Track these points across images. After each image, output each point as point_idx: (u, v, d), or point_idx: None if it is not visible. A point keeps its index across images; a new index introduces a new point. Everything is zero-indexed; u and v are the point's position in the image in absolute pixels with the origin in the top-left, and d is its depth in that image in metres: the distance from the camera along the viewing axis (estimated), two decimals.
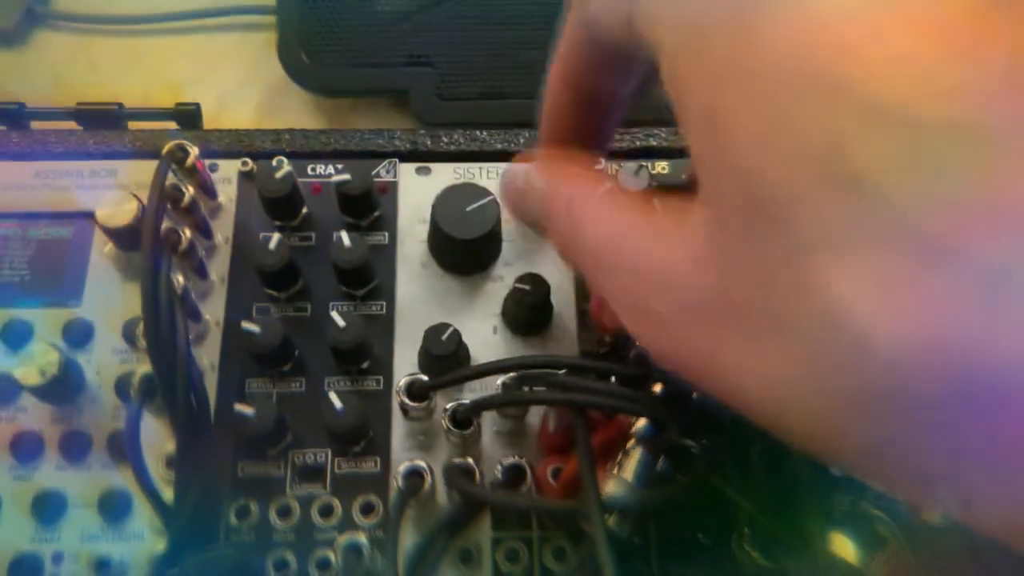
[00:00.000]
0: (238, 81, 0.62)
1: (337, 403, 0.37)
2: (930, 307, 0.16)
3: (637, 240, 0.23)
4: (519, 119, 0.41)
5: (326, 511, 0.38)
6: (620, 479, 0.31)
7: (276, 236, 0.40)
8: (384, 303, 0.43)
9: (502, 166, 0.46)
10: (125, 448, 0.34)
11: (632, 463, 0.31)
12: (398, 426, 0.40)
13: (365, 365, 0.41)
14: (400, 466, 0.37)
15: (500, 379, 0.36)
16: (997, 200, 0.15)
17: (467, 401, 0.37)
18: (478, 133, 0.46)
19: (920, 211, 0.16)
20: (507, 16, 0.59)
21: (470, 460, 0.36)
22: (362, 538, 0.35)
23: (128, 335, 0.41)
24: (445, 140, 0.46)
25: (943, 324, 0.15)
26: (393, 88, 0.58)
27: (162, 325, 0.35)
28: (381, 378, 0.41)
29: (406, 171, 0.46)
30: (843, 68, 0.17)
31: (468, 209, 0.41)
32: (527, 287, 0.40)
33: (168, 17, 0.63)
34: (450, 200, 0.42)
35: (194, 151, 0.40)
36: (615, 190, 0.26)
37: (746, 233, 0.19)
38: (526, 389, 0.35)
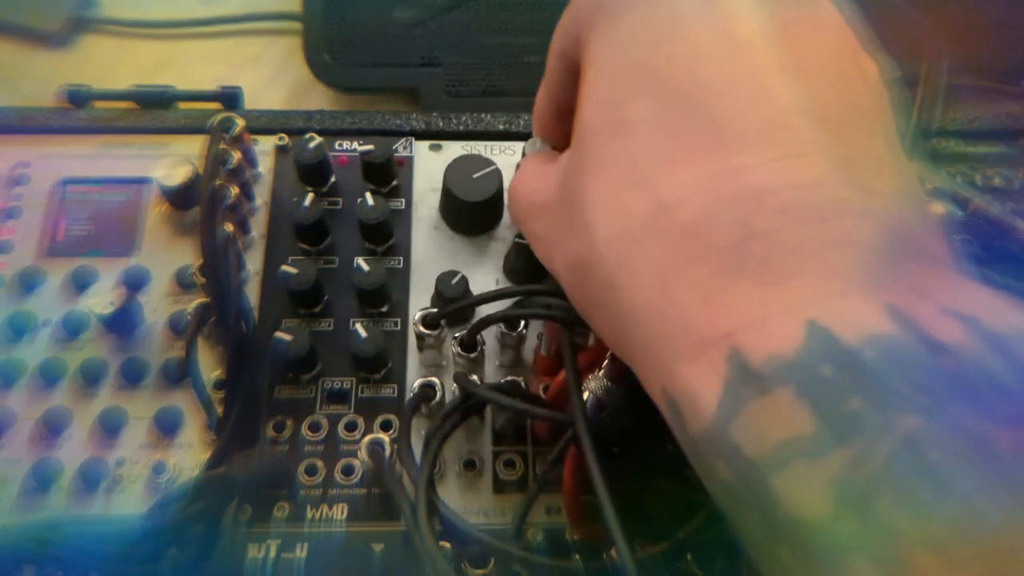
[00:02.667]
0: (267, 80, 0.69)
1: (362, 332, 0.44)
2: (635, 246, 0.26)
3: (529, 184, 0.35)
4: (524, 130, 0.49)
5: (350, 426, 0.45)
6: (599, 378, 0.37)
7: (310, 195, 0.47)
8: (401, 258, 0.49)
9: (504, 144, 0.52)
10: (186, 358, 0.40)
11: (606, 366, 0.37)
12: (413, 360, 0.47)
13: (385, 308, 0.48)
14: (415, 383, 0.43)
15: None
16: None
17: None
18: (483, 116, 0.53)
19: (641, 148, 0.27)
20: (509, 24, 0.66)
21: (475, 377, 0.42)
22: (384, 437, 0.41)
23: (180, 279, 0.47)
24: (455, 121, 0.53)
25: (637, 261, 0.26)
26: (406, 85, 0.65)
27: (218, 258, 0.41)
28: (399, 320, 0.48)
29: (420, 148, 0.53)
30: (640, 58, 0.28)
31: (475, 176, 0.48)
32: (525, 241, 0.46)
33: (203, 22, 0.70)
34: (460, 168, 0.48)
35: (241, 122, 0.47)
36: (527, 158, 0.38)
37: (576, 164, 0.30)
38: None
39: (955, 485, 0.19)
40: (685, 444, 0.25)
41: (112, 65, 0.69)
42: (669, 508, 0.38)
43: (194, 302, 0.43)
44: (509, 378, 0.43)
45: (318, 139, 0.48)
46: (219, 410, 0.43)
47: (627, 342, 0.27)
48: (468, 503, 0.43)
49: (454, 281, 0.45)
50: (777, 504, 0.21)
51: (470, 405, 0.38)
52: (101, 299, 0.44)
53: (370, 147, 0.48)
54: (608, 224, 0.27)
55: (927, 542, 0.19)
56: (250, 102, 0.66)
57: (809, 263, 0.23)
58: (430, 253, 0.50)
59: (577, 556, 0.37)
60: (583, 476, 0.37)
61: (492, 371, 0.46)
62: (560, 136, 0.37)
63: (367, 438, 0.41)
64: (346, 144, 0.52)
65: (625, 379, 0.37)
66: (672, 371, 0.25)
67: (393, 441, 0.41)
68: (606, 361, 0.37)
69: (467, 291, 0.46)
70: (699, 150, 0.26)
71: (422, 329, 0.43)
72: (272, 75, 0.69)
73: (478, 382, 0.40)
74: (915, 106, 0.49)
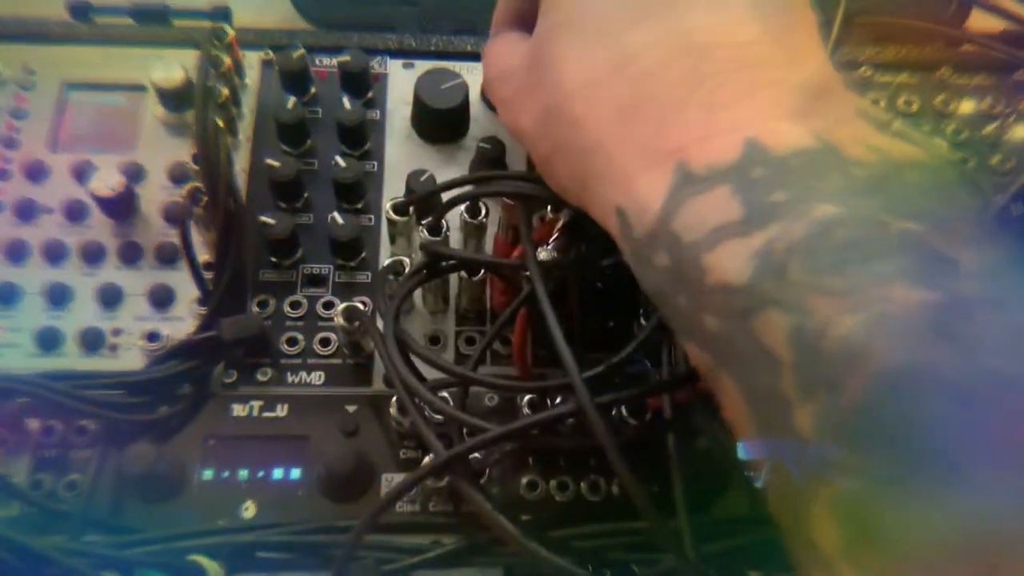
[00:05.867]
0: (253, 17, 0.73)
1: (339, 219, 0.49)
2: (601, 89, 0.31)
3: (501, 53, 0.40)
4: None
5: (328, 305, 0.50)
6: (548, 251, 0.42)
7: (292, 98, 0.52)
8: (376, 162, 0.54)
9: (472, 64, 0.57)
10: (181, 233, 0.45)
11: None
12: (385, 250, 0.52)
13: (360, 205, 0.53)
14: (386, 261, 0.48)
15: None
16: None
17: None
18: (452, 38, 0.58)
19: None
20: None
21: None
22: (359, 305, 0.46)
23: (173, 174, 0.52)
24: (426, 42, 0.58)
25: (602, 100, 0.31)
26: (383, 21, 0.70)
27: (209, 144, 0.46)
28: (372, 216, 0.53)
29: (394, 65, 0.58)
30: None
31: (443, 87, 0.53)
32: (488, 146, 0.51)
33: None
34: (430, 80, 0.53)
35: (231, 31, 0.52)
36: (499, 37, 0.42)
37: (547, 29, 0.35)
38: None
39: (853, 256, 0.23)
40: (630, 251, 0.30)
41: None
42: None
43: (190, 185, 0.48)
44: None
45: (301, 50, 0.53)
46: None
47: (584, 175, 0.32)
48: (430, 374, 0.48)
49: (423, 178, 0.50)
50: (706, 275, 0.26)
51: (432, 264, 0.43)
52: (101, 183, 0.48)
53: (347, 57, 0.53)
54: (579, 73, 0.32)
55: (826, 292, 0.23)
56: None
57: (748, 96, 0.28)
58: (402, 159, 0.55)
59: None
60: (529, 330, 0.42)
61: None
62: (523, 23, 0.42)
63: (343, 305, 0.45)
64: (325, 60, 0.57)
65: (570, 251, 0.42)
66: (626, 186, 0.30)
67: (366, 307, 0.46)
68: (554, 237, 0.42)
69: (435, 186, 0.50)
70: (658, 12, 0.31)
71: (392, 215, 0.48)
72: (257, 13, 0.73)
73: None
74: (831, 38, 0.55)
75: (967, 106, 0.60)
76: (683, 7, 0.31)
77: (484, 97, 0.56)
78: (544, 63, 0.34)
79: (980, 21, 0.69)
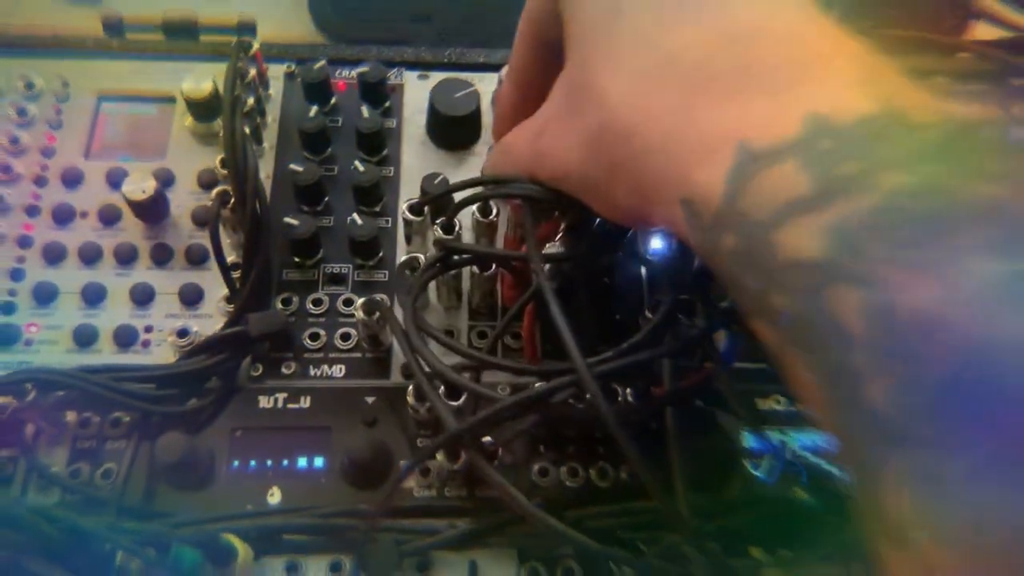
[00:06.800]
0: (276, 35, 0.76)
1: (359, 220, 0.51)
2: (649, 92, 0.31)
3: (520, 126, 0.41)
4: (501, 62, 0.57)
5: (348, 303, 0.52)
6: (554, 246, 0.44)
7: (314, 108, 0.54)
8: (392, 168, 0.57)
9: (483, 74, 0.60)
10: (212, 233, 0.48)
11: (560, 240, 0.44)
12: (402, 250, 0.54)
13: (378, 208, 0.55)
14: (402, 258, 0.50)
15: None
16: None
17: None
18: (465, 51, 0.61)
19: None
20: None
21: None
22: (379, 298, 0.48)
23: (201, 181, 0.55)
24: (440, 54, 0.61)
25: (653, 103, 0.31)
26: (401, 38, 0.72)
27: (237, 149, 0.48)
28: (389, 219, 0.55)
29: (410, 77, 0.61)
30: None
31: (456, 95, 0.56)
32: None
33: None
34: (444, 89, 0.56)
35: (256, 43, 0.54)
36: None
37: (579, 60, 0.35)
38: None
39: (927, 228, 0.23)
40: (698, 242, 0.30)
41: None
42: None
43: (219, 188, 0.50)
44: None
45: (322, 62, 0.56)
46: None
47: (642, 184, 0.32)
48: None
49: (436, 180, 0.53)
50: (777, 253, 0.26)
51: (445, 259, 0.45)
52: (134, 187, 0.51)
53: (366, 68, 0.56)
54: (623, 83, 0.32)
55: (900, 266, 0.23)
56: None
57: (804, 75, 0.28)
58: (417, 164, 0.57)
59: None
60: (538, 323, 0.45)
61: None
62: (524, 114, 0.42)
63: (362, 299, 0.48)
64: (345, 72, 0.60)
65: (575, 248, 0.44)
66: (687, 177, 0.29)
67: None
68: (559, 236, 0.45)
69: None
70: (687, 12, 0.31)
71: (408, 215, 0.50)
72: (281, 28, 0.76)
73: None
74: None
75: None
76: (715, 3, 0.31)
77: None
78: (584, 87, 0.34)
79: (978, 30, 0.71)
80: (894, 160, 0.24)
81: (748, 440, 0.47)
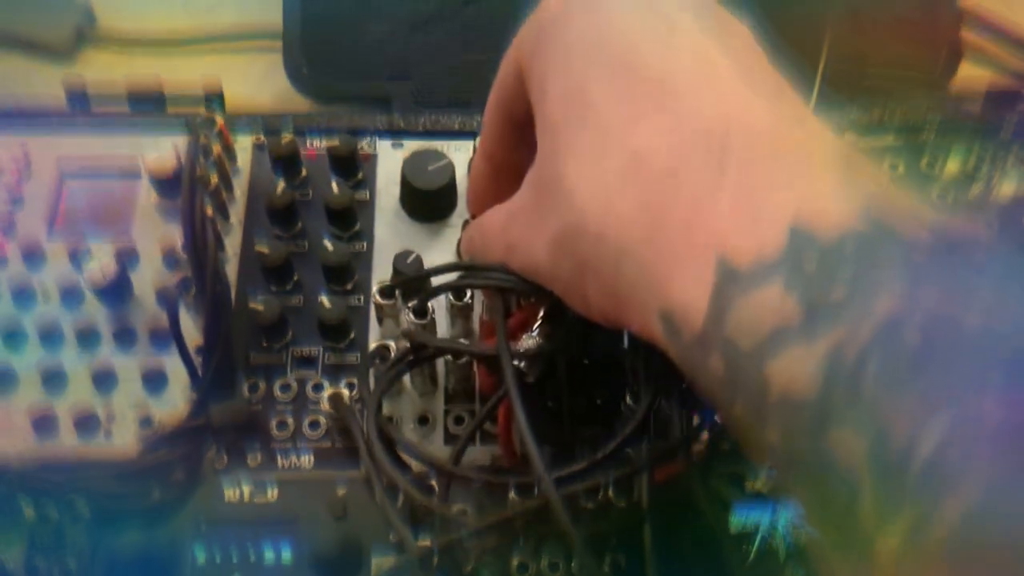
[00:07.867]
0: (251, 92, 0.75)
1: (327, 302, 0.49)
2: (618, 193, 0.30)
3: (493, 211, 0.39)
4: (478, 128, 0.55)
5: (317, 388, 0.50)
6: (532, 336, 0.43)
7: (280, 183, 0.53)
8: (365, 243, 0.55)
9: (459, 142, 0.58)
10: (171, 323, 0.46)
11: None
12: (374, 331, 0.52)
13: (349, 287, 0.53)
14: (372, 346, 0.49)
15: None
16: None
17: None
18: (441, 117, 0.60)
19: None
20: (471, 41, 0.72)
21: None
22: (345, 392, 0.47)
23: (167, 260, 0.53)
24: (414, 121, 0.59)
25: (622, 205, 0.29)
26: (378, 95, 0.71)
27: (197, 234, 0.47)
28: (362, 296, 0.53)
29: (383, 145, 0.59)
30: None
31: (430, 168, 0.54)
32: None
33: (192, 41, 0.77)
34: (417, 161, 0.55)
35: (220, 120, 0.53)
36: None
37: (548, 156, 0.33)
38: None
39: (929, 364, 0.21)
40: (680, 356, 0.28)
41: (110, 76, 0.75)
42: None
43: (179, 275, 0.49)
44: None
45: (290, 135, 0.55)
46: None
47: (615, 289, 0.30)
48: None
49: (409, 260, 0.51)
50: (768, 387, 0.24)
51: (416, 352, 0.43)
52: (95, 269, 0.49)
53: (336, 141, 0.55)
54: (589, 184, 0.30)
55: (903, 405, 0.21)
56: (235, 112, 0.73)
57: (778, 174, 0.27)
58: (391, 238, 0.55)
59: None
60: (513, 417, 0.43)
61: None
62: (498, 198, 0.40)
63: (329, 391, 0.46)
64: (315, 142, 0.58)
65: (554, 337, 0.42)
66: (665, 290, 0.28)
67: (352, 394, 0.47)
68: (538, 322, 0.43)
69: (421, 268, 0.51)
70: (655, 106, 0.30)
71: (379, 299, 0.48)
72: (255, 88, 0.75)
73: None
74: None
75: (952, 167, 0.60)
76: (678, 91, 0.30)
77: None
78: (552, 182, 0.33)
79: (969, 70, 0.71)
80: (886, 283, 0.23)
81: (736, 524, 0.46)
